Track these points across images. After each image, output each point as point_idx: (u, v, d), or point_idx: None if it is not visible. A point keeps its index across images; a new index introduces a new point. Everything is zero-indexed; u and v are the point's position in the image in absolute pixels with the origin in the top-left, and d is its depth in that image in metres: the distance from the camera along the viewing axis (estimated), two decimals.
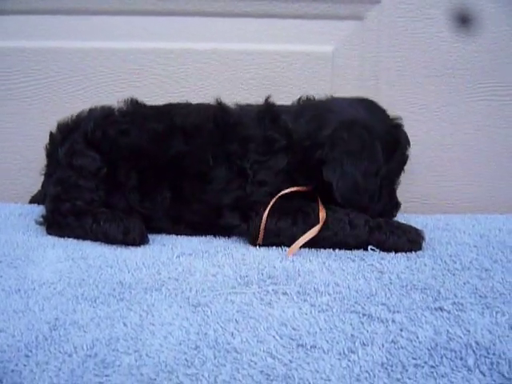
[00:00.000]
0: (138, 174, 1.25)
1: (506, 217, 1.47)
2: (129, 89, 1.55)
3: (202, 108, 1.32)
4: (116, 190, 1.25)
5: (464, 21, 1.51)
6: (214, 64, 1.56)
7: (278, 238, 1.14)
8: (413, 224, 1.33)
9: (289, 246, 1.12)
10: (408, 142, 1.27)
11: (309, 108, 1.25)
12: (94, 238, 1.18)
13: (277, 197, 1.15)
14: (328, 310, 0.81)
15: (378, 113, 1.26)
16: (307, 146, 1.18)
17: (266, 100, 1.30)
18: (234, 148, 1.22)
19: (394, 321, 0.77)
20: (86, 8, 1.53)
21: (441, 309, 0.81)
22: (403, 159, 1.28)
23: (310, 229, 1.11)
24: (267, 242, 1.15)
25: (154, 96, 1.53)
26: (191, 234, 1.25)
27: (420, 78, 1.55)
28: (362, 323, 0.76)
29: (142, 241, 1.17)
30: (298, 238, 1.12)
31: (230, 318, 0.77)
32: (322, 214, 1.13)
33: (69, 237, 1.20)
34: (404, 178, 1.58)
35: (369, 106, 1.26)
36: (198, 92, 1.55)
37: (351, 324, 0.76)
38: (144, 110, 1.33)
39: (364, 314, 0.79)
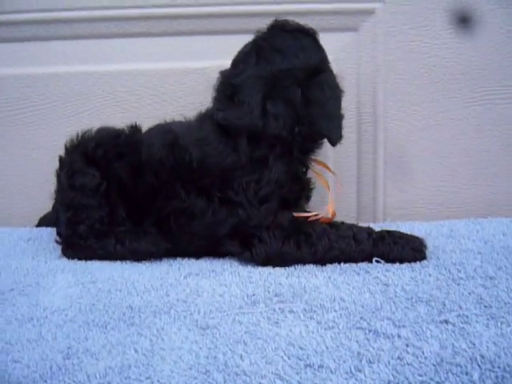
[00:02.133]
0: (124, 205, 1.25)
1: (510, 220, 1.47)
2: (130, 110, 1.58)
3: (161, 136, 1.28)
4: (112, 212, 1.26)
5: (463, 22, 1.52)
6: (211, 81, 1.57)
7: (284, 262, 1.14)
8: (416, 231, 1.35)
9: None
10: None
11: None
12: (120, 257, 1.21)
13: None
14: (334, 327, 0.82)
15: None
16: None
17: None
18: (208, 182, 1.19)
19: (399, 336, 0.78)
20: (80, 33, 1.55)
21: (446, 322, 0.82)
22: None
23: (314, 249, 1.12)
24: (272, 265, 1.15)
25: (153, 116, 1.55)
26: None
27: (417, 85, 1.57)
28: (368, 340, 0.78)
29: (171, 247, 1.21)
30: (304, 262, 1.13)
31: (238, 339, 0.79)
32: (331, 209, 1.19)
33: (89, 259, 1.22)
34: (406, 184, 1.61)
35: None
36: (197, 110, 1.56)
37: (357, 341, 0.77)
38: (132, 138, 1.30)
39: (370, 330, 0.81)
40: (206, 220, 1.19)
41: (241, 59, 1.25)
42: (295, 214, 1.18)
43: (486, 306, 0.88)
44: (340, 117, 1.22)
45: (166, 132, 1.28)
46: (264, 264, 1.15)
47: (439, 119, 1.58)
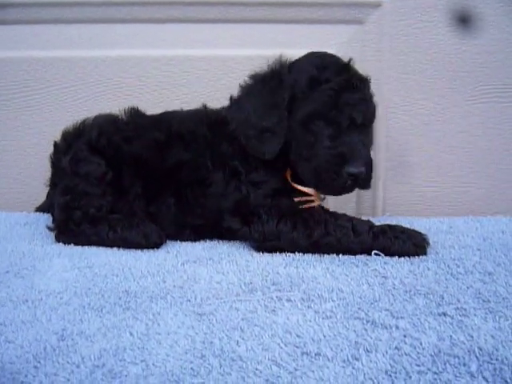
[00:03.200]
0: (142, 181, 1.27)
1: (509, 219, 1.47)
2: (129, 97, 1.57)
3: (193, 113, 1.34)
4: (121, 196, 1.27)
5: (464, 21, 1.52)
6: (214, 70, 1.56)
7: (279, 241, 1.15)
8: (416, 227, 1.33)
9: (289, 250, 1.15)
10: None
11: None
12: (112, 244, 1.20)
13: None
14: (332, 317, 0.81)
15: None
16: None
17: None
18: (225, 148, 1.24)
19: (397, 327, 0.78)
20: (85, 17, 1.54)
21: (444, 314, 0.82)
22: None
23: (309, 232, 1.13)
24: (268, 245, 1.16)
25: (155, 103, 1.54)
26: (195, 240, 1.27)
27: (421, 80, 1.56)
28: (366, 330, 0.77)
29: (161, 243, 1.21)
30: (299, 244, 1.14)
31: (234, 326, 0.78)
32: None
33: (82, 244, 1.22)
34: (407, 180, 1.61)
35: None
36: (199, 98, 1.55)
37: (355, 331, 0.77)
38: (144, 120, 1.35)
39: (368, 321, 0.80)
40: (218, 190, 1.23)
41: None
42: (295, 199, 1.21)
43: (484, 301, 0.88)
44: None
45: (197, 111, 1.34)
46: (260, 241, 1.16)
47: (442, 116, 1.58)
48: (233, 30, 1.56)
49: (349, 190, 1.16)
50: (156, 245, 1.20)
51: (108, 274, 1.01)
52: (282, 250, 1.16)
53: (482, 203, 1.60)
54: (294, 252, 1.15)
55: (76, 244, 1.23)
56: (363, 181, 1.14)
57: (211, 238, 1.28)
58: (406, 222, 1.42)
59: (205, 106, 1.35)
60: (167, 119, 1.33)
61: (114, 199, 1.26)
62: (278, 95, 1.16)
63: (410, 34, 1.54)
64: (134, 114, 1.36)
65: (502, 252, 1.15)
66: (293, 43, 1.55)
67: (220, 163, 1.23)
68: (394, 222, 1.40)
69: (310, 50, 1.54)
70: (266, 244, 1.17)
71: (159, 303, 0.87)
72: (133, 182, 1.28)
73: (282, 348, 0.71)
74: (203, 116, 1.31)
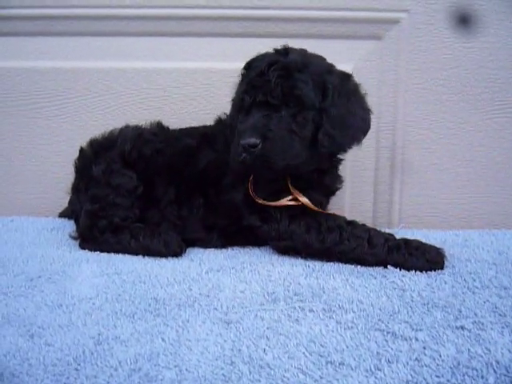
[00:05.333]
0: (174, 187, 1.34)
1: None
2: (153, 107, 1.62)
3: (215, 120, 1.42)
4: (151, 206, 1.33)
5: (464, 21, 1.54)
6: (226, 84, 1.60)
7: (292, 241, 1.21)
8: (431, 240, 1.37)
9: (303, 252, 1.21)
10: None
11: None
12: (134, 252, 1.25)
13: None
14: (353, 328, 0.85)
15: None
16: None
17: None
18: None
19: (417, 339, 0.81)
20: (112, 30, 1.60)
21: (462, 327, 0.85)
22: None
23: (322, 238, 1.18)
24: (282, 245, 1.23)
25: (178, 114, 1.59)
26: (222, 245, 1.32)
27: (438, 95, 1.59)
28: (387, 341, 0.80)
29: (180, 252, 1.26)
30: (312, 247, 1.19)
31: (261, 334, 0.82)
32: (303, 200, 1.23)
33: (106, 252, 1.27)
34: (423, 193, 1.64)
35: None
36: (223, 109, 1.60)
37: (376, 342, 0.80)
38: (171, 132, 1.43)
39: (388, 332, 0.83)
40: (231, 181, 1.29)
41: None
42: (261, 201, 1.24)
43: (500, 315, 0.91)
44: None
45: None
46: (276, 239, 1.23)
47: (458, 130, 1.60)
48: (256, 44, 1.59)
49: (248, 163, 1.16)
50: (176, 253, 1.24)
51: (136, 281, 1.05)
52: (297, 253, 1.21)
53: (497, 217, 1.62)
54: (307, 254, 1.21)
55: (98, 251, 1.28)
56: (263, 152, 1.14)
57: (237, 241, 1.33)
58: (421, 235, 1.45)
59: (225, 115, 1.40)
60: (195, 129, 1.42)
61: (144, 209, 1.32)
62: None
63: (426, 51, 1.57)
64: (160, 126, 1.44)
65: None
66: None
67: None
68: (408, 235, 1.44)
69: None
70: (280, 243, 1.23)
71: (187, 311, 0.91)
72: (165, 190, 1.34)
73: (307, 357, 0.75)
74: (223, 122, 1.39)
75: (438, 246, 1.22)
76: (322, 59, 1.29)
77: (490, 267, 1.17)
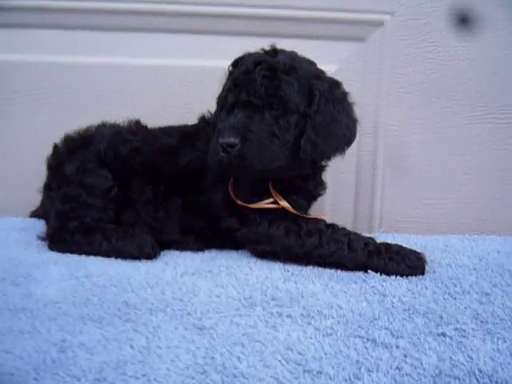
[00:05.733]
0: (152, 187, 1.29)
1: (503, 239, 1.49)
2: (127, 104, 1.57)
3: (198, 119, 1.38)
4: (127, 207, 1.28)
5: (464, 21, 1.53)
6: (214, 81, 1.57)
7: (270, 245, 1.18)
8: (412, 245, 1.35)
9: (282, 256, 1.17)
10: None
11: None
12: (105, 254, 1.20)
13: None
14: (332, 334, 0.82)
15: None
16: None
17: None
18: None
19: (397, 346, 0.78)
20: (89, 24, 1.54)
21: (443, 334, 0.82)
22: None
23: (301, 242, 1.15)
24: (260, 249, 1.19)
25: (153, 111, 1.55)
26: (199, 248, 1.27)
27: (420, 99, 1.58)
28: (367, 348, 0.77)
29: (154, 255, 1.20)
30: (291, 251, 1.16)
31: (236, 341, 0.78)
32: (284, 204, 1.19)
33: (76, 253, 1.21)
34: (404, 197, 1.62)
35: None
36: (200, 109, 1.55)
37: (355, 349, 0.77)
38: (151, 130, 1.38)
39: (368, 339, 0.80)
40: (211, 181, 1.25)
41: None
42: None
43: (482, 322, 0.88)
44: None
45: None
46: (254, 243, 1.20)
47: (439, 135, 1.59)
48: (233, 43, 1.56)
49: (225, 162, 1.12)
50: (149, 256, 1.19)
51: (106, 284, 1.00)
52: (275, 257, 1.18)
53: (477, 222, 1.62)
54: (286, 258, 1.17)
55: (67, 253, 1.22)
56: (242, 152, 1.10)
57: (214, 243, 1.29)
58: (401, 239, 1.44)
59: (210, 112, 1.36)
60: (175, 128, 1.38)
61: (120, 211, 1.27)
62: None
63: (410, 54, 1.56)
64: (139, 125, 1.39)
65: (497, 272, 1.16)
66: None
67: None
68: (389, 239, 1.42)
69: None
70: (259, 247, 1.20)
71: (159, 316, 0.86)
72: (142, 190, 1.29)
73: (283, 365, 0.71)
74: (206, 118, 1.36)
75: (418, 250, 1.20)
76: (311, 63, 1.26)
77: (471, 272, 1.16)
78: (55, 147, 1.39)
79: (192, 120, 1.39)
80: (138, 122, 1.40)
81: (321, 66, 1.56)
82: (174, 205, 1.27)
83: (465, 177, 1.61)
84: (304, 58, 1.25)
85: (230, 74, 1.23)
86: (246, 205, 1.20)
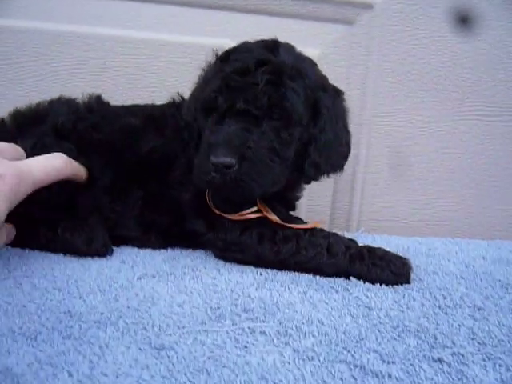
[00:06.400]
0: (112, 172, 1.12)
1: (487, 243, 1.40)
2: (91, 78, 1.40)
3: (166, 103, 1.22)
4: (84, 190, 1.11)
5: (464, 21, 1.44)
6: (187, 58, 1.42)
7: (243, 254, 1.04)
8: (393, 246, 1.24)
9: (255, 264, 1.04)
10: None
11: None
12: (49, 247, 1.04)
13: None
14: (314, 359, 0.69)
15: None
16: None
17: None
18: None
19: (390, 375, 0.67)
20: None
21: (440, 360, 0.72)
22: None
23: (277, 249, 1.02)
24: (230, 257, 1.06)
25: (118, 88, 1.39)
26: (160, 246, 1.13)
27: (407, 91, 1.47)
28: (355, 378, 0.66)
29: (105, 252, 1.05)
30: (265, 260, 1.03)
31: (200, 367, 0.65)
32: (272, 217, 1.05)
33: (16, 246, 1.04)
34: (384, 195, 1.52)
35: None
36: (168, 87, 1.40)
37: (342, 379, 0.65)
38: (113, 108, 1.22)
39: (356, 365, 0.69)
40: (177, 176, 1.11)
41: None
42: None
43: (479, 343, 0.78)
44: None
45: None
46: (223, 251, 1.06)
47: (425, 129, 1.50)
48: (214, 18, 1.42)
49: (217, 184, 0.96)
50: (99, 253, 1.04)
51: (49, 288, 0.85)
52: (246, 264, 1.04)
53: (459, 224, 1.54)
54: (260, 266, 1.04)
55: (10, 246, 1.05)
56: (238, 175, 0.94)
57: (177, 244, 1.15)
58: (381, 240, 1.35)
59: (180, 96, 1.21)
60: (140, 108, 1.22)
61: (75, 193, 1.10)
62: (199, 88, 1.08)
63: (399, 40, 1.45)
64: (100, 101, 1.22)
65: (487, 282, 1.06)
66: (277, 37, 1.43)
67: (187, 150, 1.10)
68: (369, 240, 1.32)
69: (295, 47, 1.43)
70: (228, 255, 1.06)
71: (108, 330, 0.72)
72: (101, 172, 1.12)
73: None
74: (175, 105, 1.20)
75: (400, 253, 1.09)
76: (313, 64, 1.11)
77: (459, 282, 1.06)
78: (1, 122, 1.20)
79: None
80: (98, 98, 1.23)
81: (304, 49, 1.44)
82: (133, 197, 1.12)
83: (449, 175, 1.53)
84: (306, 58, 1.10)
85: (219, 68, 1.02)
86: (226, 215, 1.05)
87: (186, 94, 1.20)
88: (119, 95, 1.33)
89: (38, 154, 1.07)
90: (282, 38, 1.41)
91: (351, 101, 1.41)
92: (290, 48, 1.09)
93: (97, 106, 1.20)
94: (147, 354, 0.66)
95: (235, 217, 1.04)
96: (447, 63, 1.46)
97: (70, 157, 1.07)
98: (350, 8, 1.42)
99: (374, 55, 1.44)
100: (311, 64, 1.10)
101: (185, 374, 0.63)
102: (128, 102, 1.25)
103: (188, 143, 1.10)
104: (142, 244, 1.12)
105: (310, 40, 1.43)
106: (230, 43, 1.38)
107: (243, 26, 1.42)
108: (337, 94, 1.12)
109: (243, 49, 1.04)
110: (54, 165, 0.98)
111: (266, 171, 0.97)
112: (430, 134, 1.50)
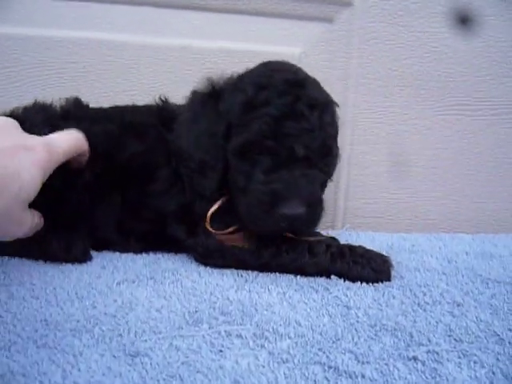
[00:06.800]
0: (91, 175, 1.10)
1: (471, 237, 1.42)
2: (72, 83, 1.39)
3: (145, 107, 1.21)
4: (63, 194, 1.09)
5: (464, 21, 1.44)
6: (173, 61, 1.41)
7: (224, 259, 1.04)
8: (377, 243, 1.27)
9: (236, 269, 1.04)
10: None
11: None
12: (28, 254, 1.04)
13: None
14: (289, 361, 0.70)
15: None
16: None
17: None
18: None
19: (363, 376, 0.67)
20: None
21: (415, 359, 0.72)
22: None
23: (258, 253, 1.02)
24: (211, 263, 1.06)
25: (99, 92, 1.38)
26: (141, 250, 1.13)
27: (389, 86, 1.47)
28: (328, 379, 0.66)
29: (84, 259, 1.05)
30: (247, 264, 1.03)
31: (173, 373, 0.65)
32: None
33: None
34: (369, 192, 1.52)
35: None
36: (149, 90, 1.39)
37: (315, 381, 0.65)
38: (91, 111, 1.20)
39: (330, 367, 0.69)
40: (162, 187, 1.10)
41: None
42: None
43: (456, 340, 0.79)
44: None
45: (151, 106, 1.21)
46: (204, 257, 1.06)
47: (407, 126, 1.50)
48: (189, 18, 1.41)
49: (285, 231, 1.01)
50: (77, 260, 1.04)
51: (26, 296, 0.85)
52: (228, 268, 1.05)
53: (446, 220, 1.54)
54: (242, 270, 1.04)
55: None
56: (305, 222, 0.97)
57: (159, 248, 1.14)
58: (367, 237, 1.35)
59: (162, 100, 1.21)
60: (119, 111, 1.20)
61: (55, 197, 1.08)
62: (214, 123, 1.03)
63: (379, 38, 1.44)
64: (76, 105, 1.19)
65: (468, 278, 1.07)
66: (256, 37, 1.43)
67: (170, 160, 1.10)
68: (354, 237, 1.33)
69: (276, 46, 1.44)
70: (209, 261, 1.06)
71: (84, 338, 0.72)
72: (80, 177, 1.10)
73: None
74: (157, 110, 1.19)
75: (384, 251, 1.11)
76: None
77: (440, 278, 1.06)
78: None
79: None
80: (76, 100, 1.20)
81: (285, 48, 1.44)
82: (112, 203, 1.11)
83: (432, 170, 1.53)
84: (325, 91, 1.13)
85: (264, 114, 0.97)
86: (221, 232, 1.05)
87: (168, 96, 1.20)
88: (101, 98, 1.32)
89: None
90: (262, 37, 1.43)
91: (333, 98, 1.44)
92: (315, 81, 1.10)
93: (74, 109, 1.18)
94: (121, 362, 0.67)
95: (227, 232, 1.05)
96: (428, 59, 1.46)
97: None
98: (329, 6, 1.41)
99: (355, 52, 1.44)
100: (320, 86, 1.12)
101: (157, 381, 0.63)
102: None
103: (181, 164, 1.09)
104: (122, 248, 1.12)
105: (290, 39, 1.44)
106: (211, 44, 1.41)
107: (223, 26, 1.41)
108: (336, 109, 1.15)
109: (277, 88, 0.99)
110: (74, 137, 0.99)
111: (321, 213, 1.01)
112: (413, 130, 1.50)
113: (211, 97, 1.07)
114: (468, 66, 1.47)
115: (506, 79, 1.49)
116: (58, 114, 1.16)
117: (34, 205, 0.93)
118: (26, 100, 1.22)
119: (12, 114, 1.16)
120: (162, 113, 1.17)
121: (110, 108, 1.23)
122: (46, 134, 1.03)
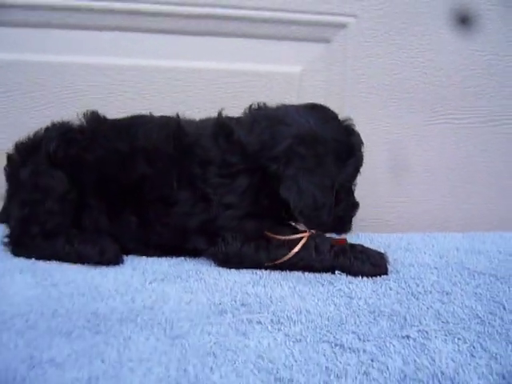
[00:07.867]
0: (104, 196, 1.24)
1: (462, 235, 1.55)
2: (94, 105, 1.52)
3: (160, 126, 1.28)
4: (85, 212, 1.24)
5: (464, 21, 1.58)
6: (179, 82, 1.56)
7: (242, 264, 1.18)
8: (377, 244, 1.39)
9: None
10: (361, 144, 1.27)
11: (261, 119, 1.21)
12: (67, 258, 1.18)
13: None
14: (302, 340, 0.84)
15: (330, 121, 1.23)
16: (262, 162, 1.17)
17: (219, 114, 1.28)
18: (195, 171, 1.21)
19: (364, 351, 0.81)
20: (44, 21, 1.49)
21: (407, 337, 0.86)
22: (358, 163, 1.26)
23: (272, 254, 1.16)
24: (231, 266, 1.19)
25: (120, 113, 1.52)
26: (160, 256, 1.26)
27: (383, 100, 1.62)
28: (335, 353, 0.80)
29: (117, 261, 1.18)
30: (262, 264, 1.17)
31: (207, 351, 0.79)
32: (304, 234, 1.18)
33: (38, 257, 1.19)
34: (366, 194, 1.66)
35: (321, 114, 1.23)
36: (164, 109, 1.53)
37: (325, 355, 0.79)
38: (103, 126, 1.30)
39: (336, 344, 0.83)
40: (184, 209, 1.21)
41: None
42: (267, 233, 1.19)
43: (443, 322, 0.93)
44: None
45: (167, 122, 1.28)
46: (223, 262, 1.18)
47: (400, 135, 1.64)
48: (199, 43, 1.55)
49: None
50: (111, 262, 1.17)
51: (74, 293, 0.99)
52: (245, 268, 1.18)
53: (440, 222, 1.68)
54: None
55: (30, 257, 1.20)
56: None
57: (175, 256, 1.27)
58: (366, 238, 1.48)
59: (177, 121, 1.29)
60: (130, 128, 1.28)
61: (77, 215, 1.24)
62: (330, 171, 1.17)
63: (373, 55, 1.59)
64: (93, 119, 1.30)
65: (457, 271, 1.21)
66: (261, 58, 1.58)
67: (188, 183, 1.21)
68: (354, 238, 1.46)
69: (277, 66, 1.58)
70: (228, 266, 1.19)
71: (129, 326, 0.86)
72: (96, 195, 1.24)
73: (255, 375, 0.73)
74: (172, 132, 1.26)
75: (382, 249, 1.24)
76: None
77: (432, 271, 1.20)
78: (8, 157, 1.33)
79: None
80: (93, 114, 1.31)
81: (285, 67, 1.58)
82: (127, 221, 1.23)
83: (426, 175, 1.67)
84: None
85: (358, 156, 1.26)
86: (283, 237, 1.18)
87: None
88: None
89: (36, 181, 1.22)
90: (266, 58, 1.58)
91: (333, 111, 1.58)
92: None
93: (88, 125, 1.28)
94: (164, 343, 0.80)
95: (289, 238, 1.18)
96: (418, 73, 1.61)
97: (60, 186, 1.21)
98: (325, 28, 1.56)
99: (350, 70, 1.59)
100: None
101: (196, 357, 0.77)
102: None
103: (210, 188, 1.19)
104: (142, 254, 1.25)
105: (290, 59, 1.58)
106: (216, 66, 1.55)
107: (229, 48, 1.56)
108: None
109: (351, 130, 1.27)
110: None
111: None
112: (407, 139, 1.64)
113: (316, 142, 1.19)
114: (453, 78, 1.61)
115: (489, 90, 1.64)
116: (74, 129, 1.28)
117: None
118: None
119: (36, 134, 1.30)
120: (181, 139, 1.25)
121: (131, 117, 1.33)
122: (59, 147, 1.17)
